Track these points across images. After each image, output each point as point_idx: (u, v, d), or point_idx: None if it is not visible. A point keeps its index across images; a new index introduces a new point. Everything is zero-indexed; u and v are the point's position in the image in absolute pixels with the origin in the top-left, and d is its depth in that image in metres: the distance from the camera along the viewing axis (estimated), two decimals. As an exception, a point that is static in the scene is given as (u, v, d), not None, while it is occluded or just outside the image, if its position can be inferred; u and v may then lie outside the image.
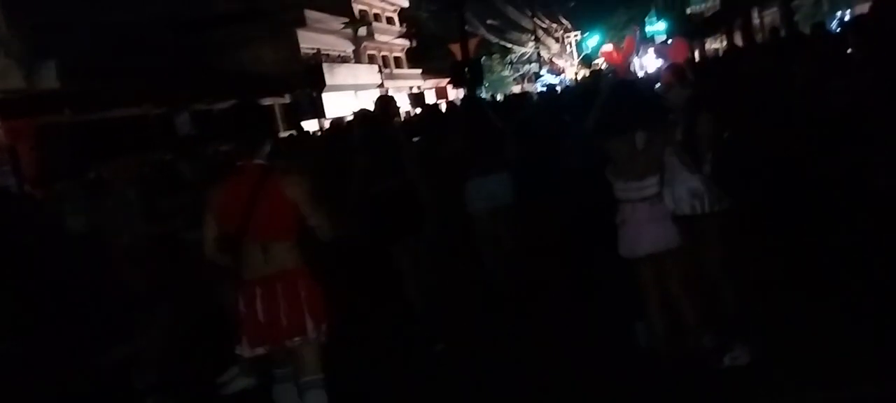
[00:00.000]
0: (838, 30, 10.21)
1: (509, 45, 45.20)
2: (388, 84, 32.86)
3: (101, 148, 11.01)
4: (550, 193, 6.70)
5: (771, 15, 18.75)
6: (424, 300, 5.10)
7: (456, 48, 17.80)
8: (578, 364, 4.23)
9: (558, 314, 5.15)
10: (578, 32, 57.86)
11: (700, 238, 3.90)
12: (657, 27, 43.80)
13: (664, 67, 4.84)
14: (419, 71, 37.84)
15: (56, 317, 4.83)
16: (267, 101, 22.21)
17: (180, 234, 4.39)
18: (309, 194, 3.29)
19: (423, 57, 37.63)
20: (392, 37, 35.95)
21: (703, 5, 29.54)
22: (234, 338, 3.39)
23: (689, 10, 32.86)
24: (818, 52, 7.40)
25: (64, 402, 4.72)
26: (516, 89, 34.42)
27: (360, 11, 32.62)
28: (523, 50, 46.54)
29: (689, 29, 31.12)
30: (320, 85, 24.61)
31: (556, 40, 53.55)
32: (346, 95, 26.83)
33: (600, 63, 30.12)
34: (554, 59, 50.34)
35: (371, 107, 5.64)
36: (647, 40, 42.28)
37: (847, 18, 12.19)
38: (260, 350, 3.32)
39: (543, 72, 40.69)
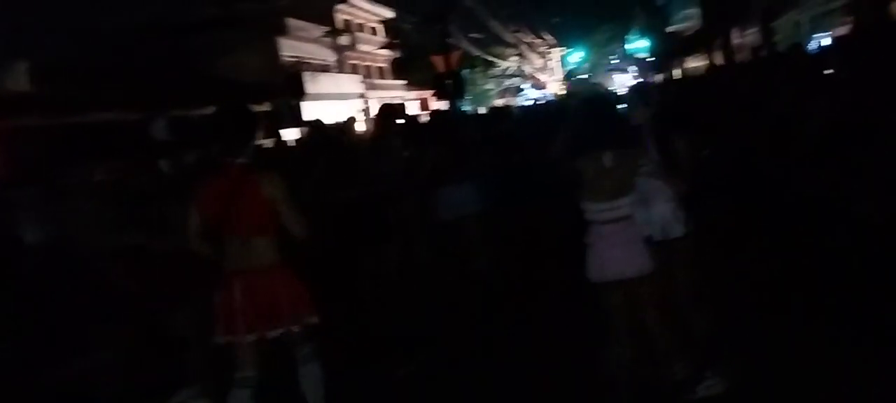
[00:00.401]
0: (818, 50, 10.25)
1: (493, 59, 45.31)
2: (369, 94, 32.73)
3: (74, 152, 10.77)
4: (523, 203, 6.69)
5: (751, 35, 18.89)
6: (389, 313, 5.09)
7: (438, 60, 17.68)
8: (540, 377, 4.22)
9: (527, 325, 5.23)
10: (562, 48, 58.13)
11: (672, 261, 3.79)
12: (639, 45, 44.17)
13: (628, 87, 4.71)
14: (402, 82, 37.78)
15: (12, 329, 4.62)
16: (245, 109, 21.98)
17: (145, 246, 4.20)
18: (285, 194, 3.48)
19: (407, 68, 37.60)
20: (375, 47, 35.87)
21: (684, 24, 29.73)
22: (216, 329, 3.51)
23: (670, 29, 33.09)
24: (797, 73, 7.38)
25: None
26: (499, 103, 34.42)
27: (344, 21, 32.52)
28: (506, 64, 46.67)
29: (670, 47, 31.36)
30: (300, 93, 24.45)
31: (540, 55, 53.75)
32: (328, 105, 26.67)
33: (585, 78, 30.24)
34: (537, 74, 50.53)
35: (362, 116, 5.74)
36: (628, 57, 42.57)
37: (826, 40, 12.26)
38: (248, 338, 3.43)
39: (526, 86, 40.78)
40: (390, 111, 6.31)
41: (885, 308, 4.24)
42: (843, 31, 12.01)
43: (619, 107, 3.95)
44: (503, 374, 4.46)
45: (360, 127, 6.43)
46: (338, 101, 27.67)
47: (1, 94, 13.50)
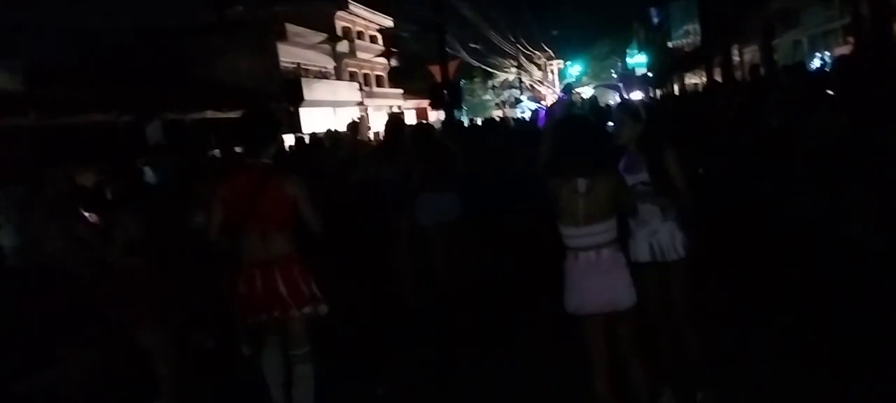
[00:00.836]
0: (820, 69, 10.22)
1: (491, 70, 45.25)
2: (367, 102, 32.67)
3: (67, 153, 10.65)
4: (502, 212, 7.04)
5: (751, 53, 18.89)
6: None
7: (436, 69, 17.58)
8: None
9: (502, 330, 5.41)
10: (561, 61, 58.18)
11: (669, 283, 3.68)
12: (638, 59, 44.29)
13: (616, 104, 4.56)
14: (400, 91, 37.72)
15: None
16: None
17: (109, 258, 4.08)
18: (305, 193, 3.75)
19: (405, 77, 37.52)
20: (373, 55, 35.83)
21: (684, 40, 29.78)
22: (235, 315, 3.91)
23: (670, 44, 33.16)
24: (797, 91, 7.32)
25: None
26: (497, 114, 34.37)
27: (343, 28, 32.48)
28: (505, 75, 46.61)
29: (669, 63, 31.41)
30: (298, 100, 24.36)
31: (539, 67, 53.75)
32: (325, 111, 26.59)
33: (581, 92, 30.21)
34: (535, 86, 50.51)
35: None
36: (628, 72, 42.63)
37: (827, 59, 12.23)
38: (258, 319, 3.78)
39: (524, 97, 40.75)
40: (399, 121, 6.74)
41: (879, 333, 4.17)
42: (842, 50, 11.98)
43: (606, 125, 3.80)
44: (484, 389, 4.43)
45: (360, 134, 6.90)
46: (335, 108, 27.61)
47: (-6, 94, 13.34)
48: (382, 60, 36.99)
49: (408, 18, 33.55)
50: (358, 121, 8.43)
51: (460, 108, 20.73)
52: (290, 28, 25.86)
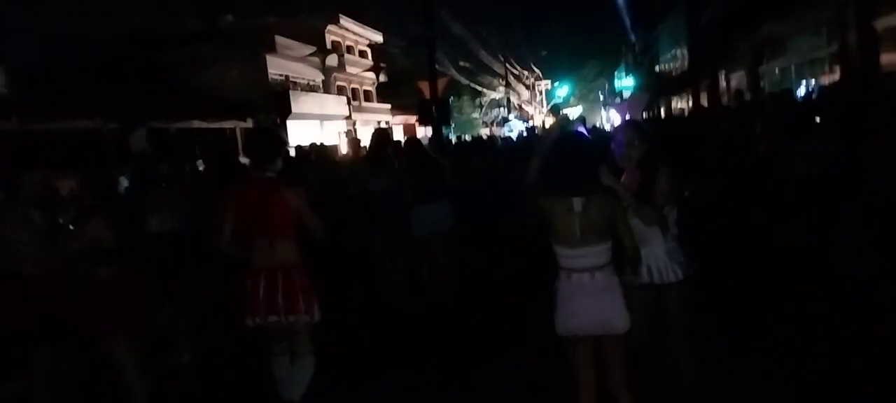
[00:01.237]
0: (808, 96, 10.28)
1: (479, 88, 45.42)
2: (355, 116, 32.61)
3: (49, 159, 10.49)
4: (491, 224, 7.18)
5: (737, 78, 19.03)
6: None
7: (425, 86, 17.57)
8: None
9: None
10: (549, 81, 58.53)
11: (666, 306, 3.63)
12: (626, 82, 44.58)
13: (621, 123, 4.49)
14: (388, 106, 37.72)
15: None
16: (228, 125, 21.79)
17: (82, 267, 3.97)
18: (307, 203, 4.06)
19: (393, 92, 37.53)
20: (362, 69, 35.81)
21: (671, 64, 30.00)
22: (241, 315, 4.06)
23: (657, 68, 33.41)
24: (784, 117, 7.35)
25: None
26: (484, 132, 34.41)
27: (333, 42, 32.46)
28: (493, 94, 46.80)
29: (656, 86, 31.61)
30: (286, 112, 24.26)
31: (527, 87, 54.04)
32: (312, 124, 26.49)
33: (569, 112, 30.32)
34: (523, 106, 50.73)
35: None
36: (616, 95, 42.89)
37: (813, 87, 12.32)
38: (262, 322, 4.03)
39: (512, 116, 40.91)
40: (385, 135, 6.95)
41: (866, 359, 4.15)
42: (828, 79, 12.09)
43: (601, 146, 3.74)
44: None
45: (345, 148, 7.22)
46: (323, 121, 27.51)
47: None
48: (371, 75, 36.98)
49: (397, 34, 33.66)
50: (357, 136, 8.66)
51: (448, 125, 20.74)
52: (280, 40, 25.79)
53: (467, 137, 19.62)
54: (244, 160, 6.24)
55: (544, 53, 55.41)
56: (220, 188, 6.61)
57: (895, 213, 4.93)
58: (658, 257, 3.58)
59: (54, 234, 4.01)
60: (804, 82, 13.68)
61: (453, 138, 20.39)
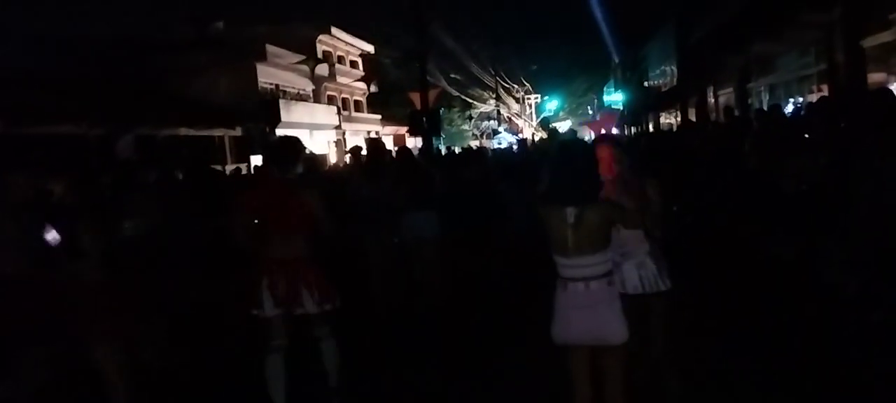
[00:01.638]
0: (797, 112, 10.34)
1: (470, 100, 45.51)
2: (345, 126, 32.58)
3: (33, 163, 10.36)
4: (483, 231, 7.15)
5: (726, 95, 19.15)
6: None
7: (416, 97, 17.62)
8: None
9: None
10: (538, 95, 58.72)
11: (650, 318, 3.61)
12: (614, 97, 44.79)
13: (596, 139, 4.53)
14: (378, 116, 37.72)
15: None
16: (217, 133, 21.70)
17: (70, 270, 3.90)
18: (321, 202, 4.42)
19: (383, 103, 37.54)
20: (353, 80, 35.82)
21: (660, 80, 30.16)
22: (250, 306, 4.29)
23: (646, 83, 33.56)
24: (773, 134, 7.37)
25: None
26: (475, 144, 34.45)
27: (325, 52, 32.46)
28: (483, 106, 46.89)
29: (645, 101, 31.77)
30: (275, 120, 24.19)
31: (517, 100, 54.18)
32: (302, 133, 26.43)
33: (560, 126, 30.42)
34: (513, 119, 50.85)
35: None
36: (605, 109, 43.06)
37: (801, 104, 12.40)
38: (280, 311, 4.27)
39: (502, 129, 40.99)
40: (382, 145, 7.22)
41: (852, 376, 4.14)
42: (816, 97, 12.17)
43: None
44: None
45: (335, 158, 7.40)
46: (313, 131, 27.45)
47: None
48: (362, 85, 37.00)
49: (389, 45, 33.65)
50: (358, 146, 8.93)
51: (439, 136, 20.75)
52: (270, 49, 25.78)
53: (457, 149, 19.64)
54: (217, 167, 6.26)
55: (534, 67, 55.59)
56: (193, 194, 6.75)
57: (882, 230, 4.93)
58: (647, 267, 3.56)
59: (42, 237, 3.93)
60: (791, 100, 13.78)
61: (443, 149, 20.37)
